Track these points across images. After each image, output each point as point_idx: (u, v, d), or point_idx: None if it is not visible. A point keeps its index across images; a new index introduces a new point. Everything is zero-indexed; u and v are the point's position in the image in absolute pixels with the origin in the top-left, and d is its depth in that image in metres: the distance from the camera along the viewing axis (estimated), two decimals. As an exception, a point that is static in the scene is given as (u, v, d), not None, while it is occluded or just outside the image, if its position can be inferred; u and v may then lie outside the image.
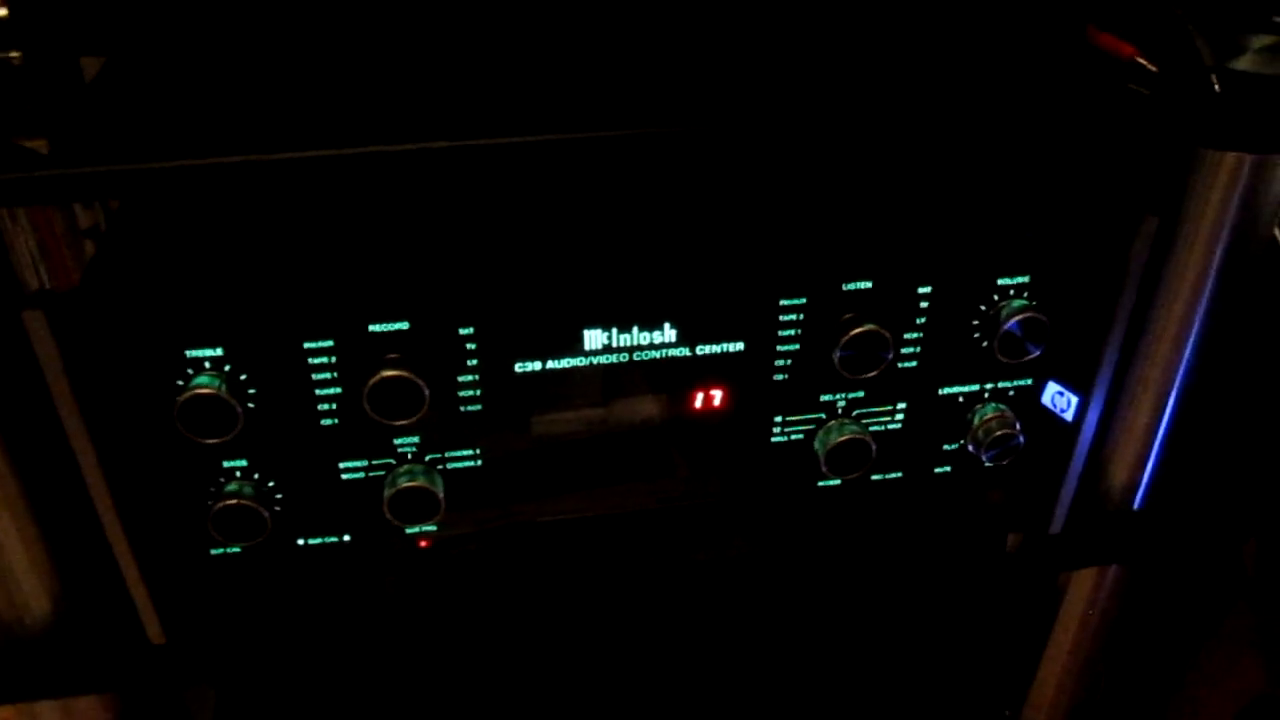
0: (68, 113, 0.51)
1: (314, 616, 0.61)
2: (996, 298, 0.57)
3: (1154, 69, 0.54)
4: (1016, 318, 0.56)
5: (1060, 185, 0.60)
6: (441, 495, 0.55)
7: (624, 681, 0.86)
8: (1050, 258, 0.56)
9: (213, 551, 0.56)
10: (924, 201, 0.60)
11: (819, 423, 0.59)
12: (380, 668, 0.85)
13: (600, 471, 0.59)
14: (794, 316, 0.55)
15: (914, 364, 0.58)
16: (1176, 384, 0.61)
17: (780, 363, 0.57)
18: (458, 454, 0.56)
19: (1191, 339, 0.59)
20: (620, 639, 0.86)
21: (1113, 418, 0.63)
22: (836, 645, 0.88)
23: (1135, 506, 0.66)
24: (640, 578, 0.64)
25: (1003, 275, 0.56)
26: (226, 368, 0.51)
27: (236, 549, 0.56)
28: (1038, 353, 0.57)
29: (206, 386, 0.50)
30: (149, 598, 0.56)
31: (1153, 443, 0.63)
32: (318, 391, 0.52)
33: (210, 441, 0.51)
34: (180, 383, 0.50)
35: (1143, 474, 0.65)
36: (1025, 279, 0.56)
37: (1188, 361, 0.60)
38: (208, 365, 0.50)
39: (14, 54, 0.51)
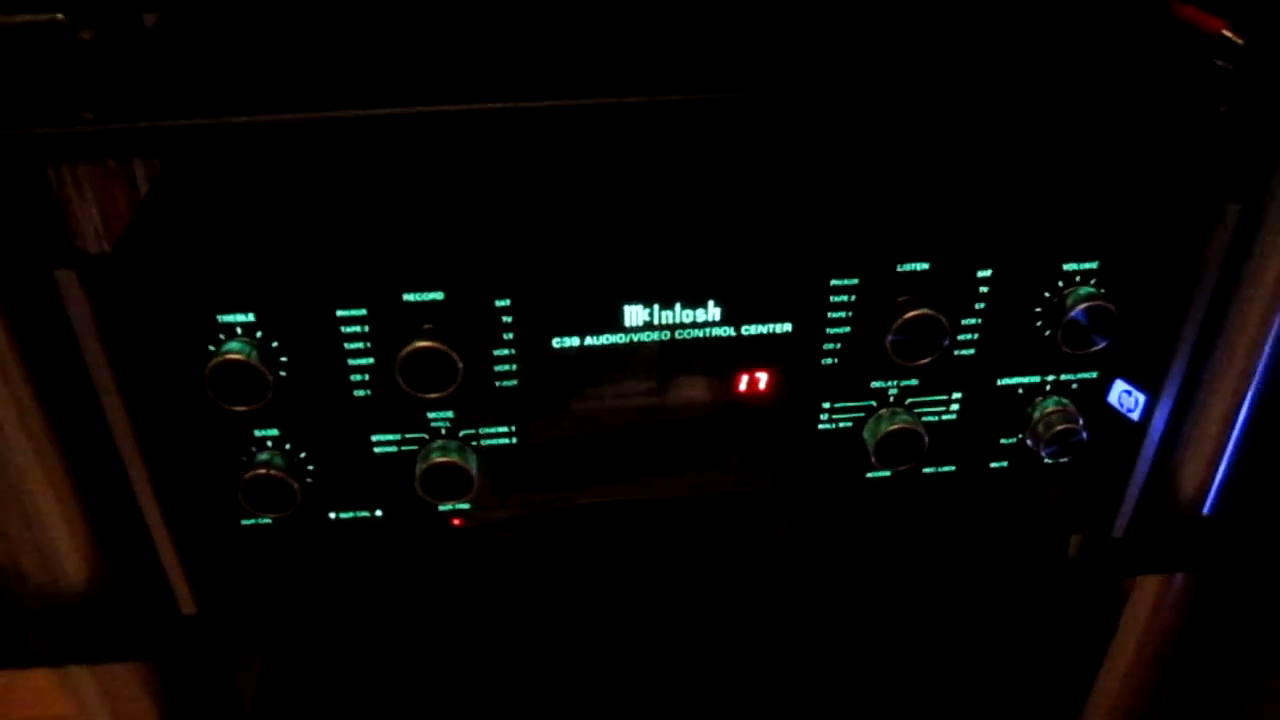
0: (108, 70, 0.51)
1: (346, 591, 0.61)
2: (1062, 284, 0.54)
3: (1241, 42, 0.52)
4: (1082, 306, 0.54)
5: (1136, 166, 0.58)
6: (474, 472, 0.54)
7: (658, 673, 0.85)
8: (1122, 243, 0.54)
9: (244, 522, 0.56)
10: (986, 179, 0.58)
11: (869, 411, 0.57)
12: (413, 645, 0.85)
13: (641, 453, 0.58)
14: (845, 298, 0.53)
15: (971, 351, 0.56)
16: (1254, 384, 0.58)
17: (829, 346, 0.55)
18: (493, 431, 0.55)
19: (1272, 336, 0.57)
20: (658, 628, 0.85)
21: (1184, 416, 0.60)
22: (886, 648, 0.87)
23: (1205, 512, 0.63)
24: (682, 565, 0.63)
25: (1069, 260, 0.54)
26: (258, 334, 0.50)
27: (267, 520, 0.56)
28: (1104, 344, 0.55)
29: (237, 353, 0.49)
30: (180, 567, 0.56)
31: (1225, 445, 0.61)
32: (350, 361, 0.52)
33: (240, 409, 0.51)
34: (211, 348, 0.50)
35: (1214, 477, 0.62)
36: (1094, 265, 0.54)
37: (1267, 360, 0.58)
38: (239, 331, 0.50)
39: (59, 15, 0.51)
